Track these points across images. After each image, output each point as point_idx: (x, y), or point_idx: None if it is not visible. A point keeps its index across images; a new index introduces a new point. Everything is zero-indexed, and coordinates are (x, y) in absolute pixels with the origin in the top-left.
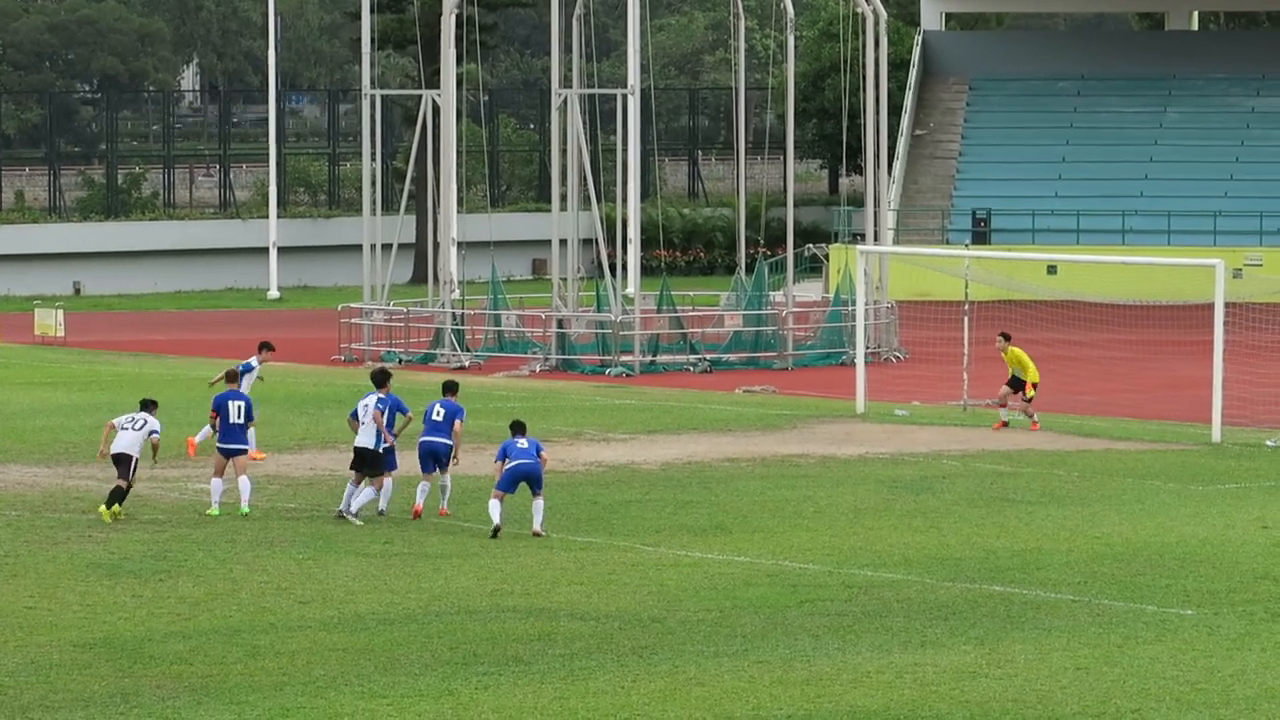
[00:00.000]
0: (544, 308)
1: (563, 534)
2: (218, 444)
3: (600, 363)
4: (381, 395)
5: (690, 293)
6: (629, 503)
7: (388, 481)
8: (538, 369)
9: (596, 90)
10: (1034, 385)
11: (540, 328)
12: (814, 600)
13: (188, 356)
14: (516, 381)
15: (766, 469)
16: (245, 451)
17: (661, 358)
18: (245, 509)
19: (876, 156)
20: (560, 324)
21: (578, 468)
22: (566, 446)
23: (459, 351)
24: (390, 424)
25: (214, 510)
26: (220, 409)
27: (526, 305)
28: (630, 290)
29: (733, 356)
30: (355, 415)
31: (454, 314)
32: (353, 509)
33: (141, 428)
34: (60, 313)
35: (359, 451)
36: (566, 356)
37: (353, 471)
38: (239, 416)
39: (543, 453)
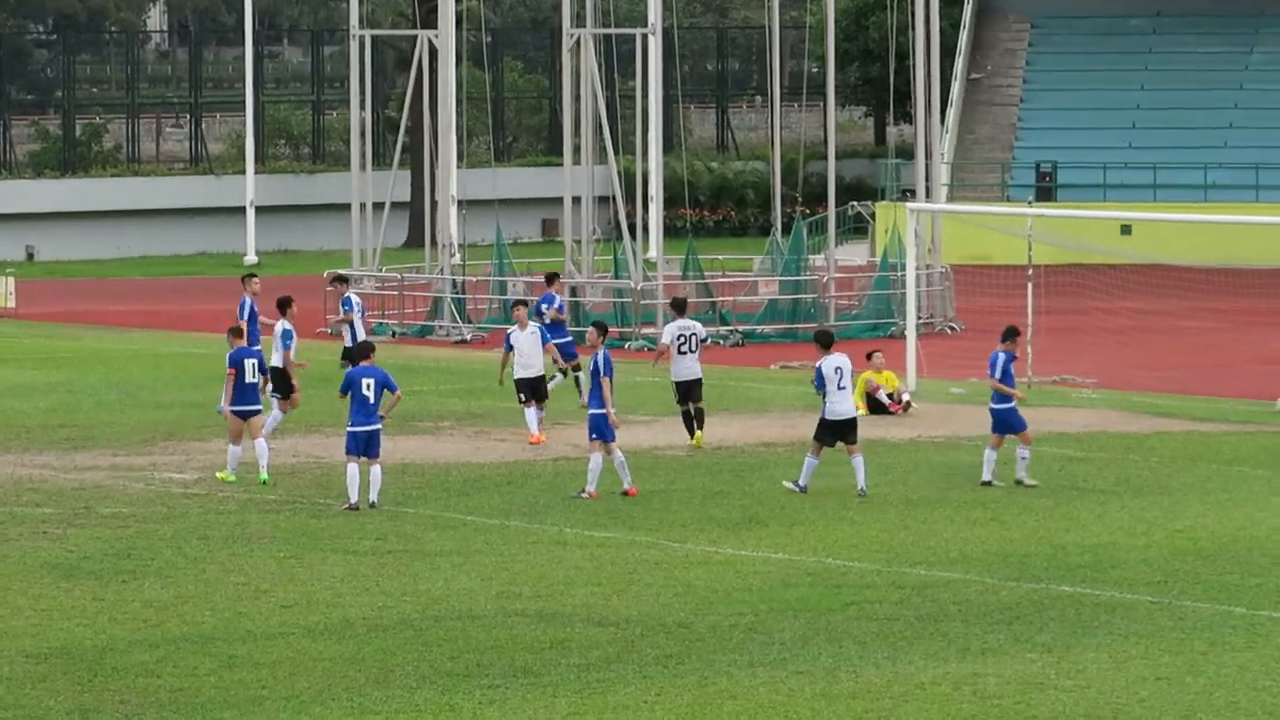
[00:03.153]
0: None
1: (577, 529)
2: (232, 406)
3: (618, 335)
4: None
5: (720, 256)
6: (652, 494)
7: (376, 470)
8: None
9: (613, 30)
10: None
11: None
12: (860, 602)
13: (155, 330)
14: None
15: (804, 454)
16: (260, 411)
17: None
18: (264, 475)
19: (927, 103)
20: (574, 292)
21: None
22: (581, 430)
23: (460, 323)
24: (376, 402)
25: (230, 475)
26: (237, 365)
27: (535, 271)
28: (652, 254)
29: (768, 328)
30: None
31: (454, 281)
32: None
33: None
34: (11, 280)
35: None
36: (581, 328)
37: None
38: (254, 375)
39: None
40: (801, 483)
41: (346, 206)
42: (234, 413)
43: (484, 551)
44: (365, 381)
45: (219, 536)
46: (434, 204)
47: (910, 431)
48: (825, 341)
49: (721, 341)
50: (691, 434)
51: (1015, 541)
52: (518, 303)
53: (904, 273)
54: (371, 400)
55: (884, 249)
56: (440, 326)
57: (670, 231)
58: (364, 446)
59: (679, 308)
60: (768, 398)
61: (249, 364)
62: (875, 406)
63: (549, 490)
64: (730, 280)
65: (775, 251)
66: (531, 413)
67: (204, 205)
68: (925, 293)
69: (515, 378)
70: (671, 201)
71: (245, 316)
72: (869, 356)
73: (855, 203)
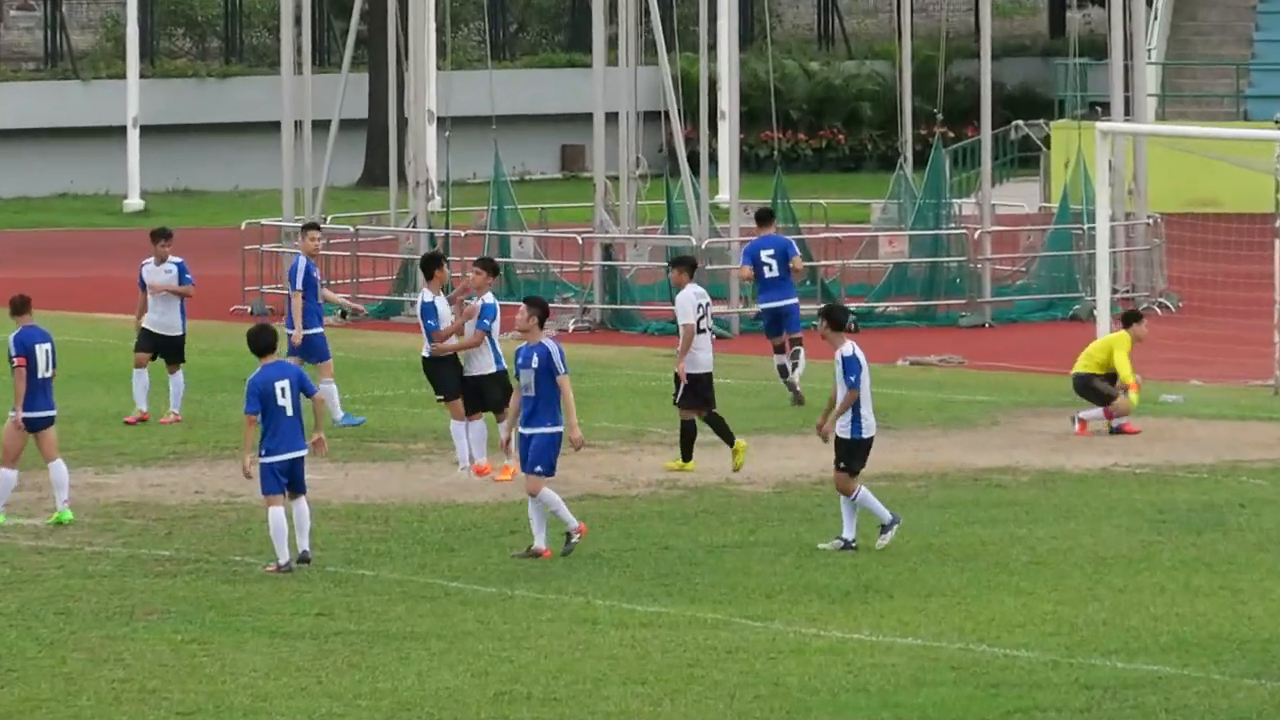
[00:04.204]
0: (581, 225)
1: (613, 600)
2: (16, 411)
3: (672, 317)
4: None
5: (822, 201)
6: (722, 548)
7: (303, 506)
8: (570, 326)
9: None
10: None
11: (575, 259)
12: (1029, 709)
13: None
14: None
15: (949, 492)
16: (54, 420)
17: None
18: (66, 512)
19: None
20: (608, 253)
21: (638, 490)
22: (620, 455)
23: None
24: (297, 414)
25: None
26: (26, 353)
27: (551, 222)
28: (723, 196)
29: (893, 306)
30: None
31: (432, 236)
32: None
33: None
34: None
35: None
36: (619, 306)
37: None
38: (48, 368)
39: None
40: (890, 524)
41: (273, 127)
42: (24, 421)
43: (476, 634)
44: (279, 386)
45: (87, 610)
46: (402, 123)
47: (1102, 458)
48: (840, 321)
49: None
50: (689, 457)
51: (1255, 620)
52: (480, 262)
53: (1092, 225)
54: (290, 412)
55: (1063, 190)
56: (412, 303)
57: (749, 164)
58: (287, 479)
59: (689, 266)
60: (891, 407)
61: (41, 351)
62: (1091, 393)
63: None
64: (838, 236)
65: (904, 194)
66: (463, 429)
67: (66, 125)
68: (1124, 254)
69: (465, 374)
70: (752, 120)
71: (300, 284)
72: (1129, 320)
73: (1021, 122)
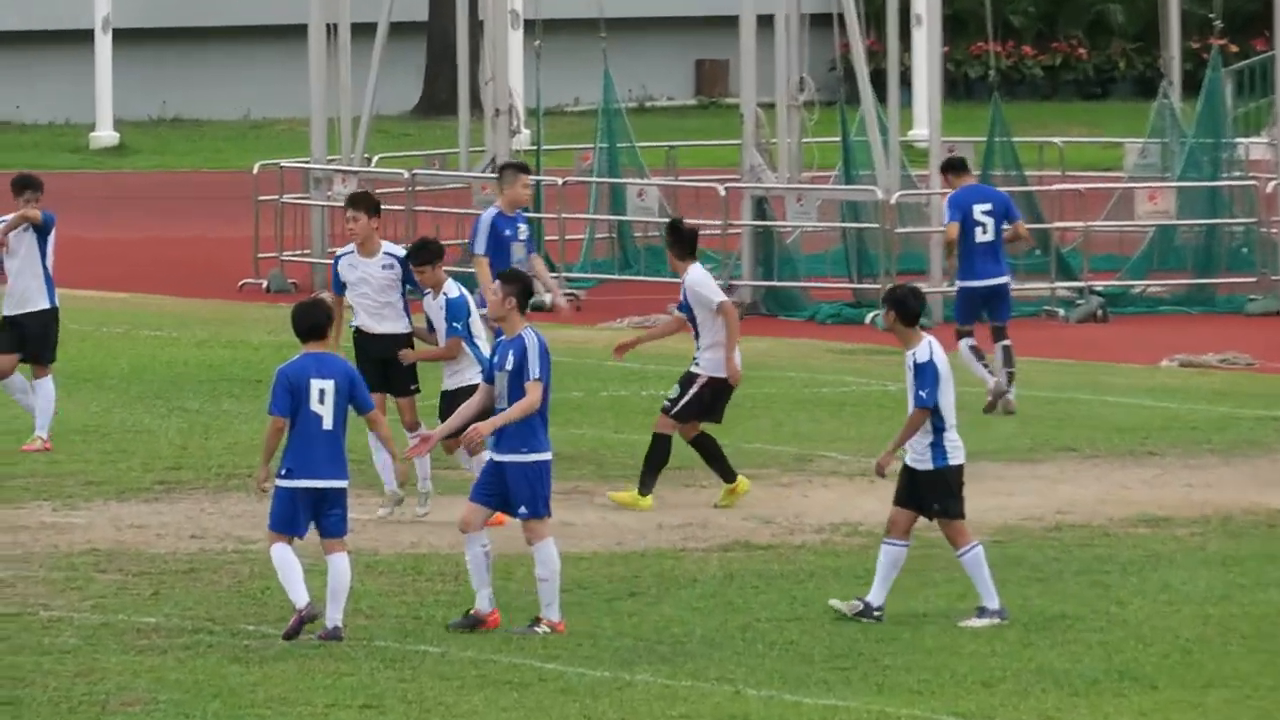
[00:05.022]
0: (725, 170)
1: (771, 689)
2: None
3: (852, 297)
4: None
5: (1057, 139)
6: (922, 619)
7: (341, 562)
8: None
9: None
10: None
11: (716, 218)
12: None
13: None
14: (659, 340)
15: (1234, 543)
16: None
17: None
18: None
19: None
20: (762, 209)
21: (804, 537)
22: (779, 488)
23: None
24: (339, 426)
25: None
26: None
27: (683, 167)
28: (919, 133)
29: (1155, 285)
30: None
31: None
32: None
33: None
34: None
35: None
36: (776, 283)
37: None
38: None
39: None
40: (994, 613)
41: (297, 33)
42: None
43: None
44: (318, 386)
45: (42, 700)
46: (475, 29)
47: None
48: (916, 311)
49: (1062, 312)
50: (732, 479)
51: None
52: (415, 249)
53: None
54: (329, 424)
55: None
56: None
57: (955, 88)
58: (311, 516)
59: (689, 242)
60: (1156, 425)
61: None
62: None
63: (715, 608)
64: (1078, 188)
65: (1169, 130)
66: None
67: (12, 28)
68: None
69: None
70: (959, 27)
71: (484, 247)
72: None
73: None
